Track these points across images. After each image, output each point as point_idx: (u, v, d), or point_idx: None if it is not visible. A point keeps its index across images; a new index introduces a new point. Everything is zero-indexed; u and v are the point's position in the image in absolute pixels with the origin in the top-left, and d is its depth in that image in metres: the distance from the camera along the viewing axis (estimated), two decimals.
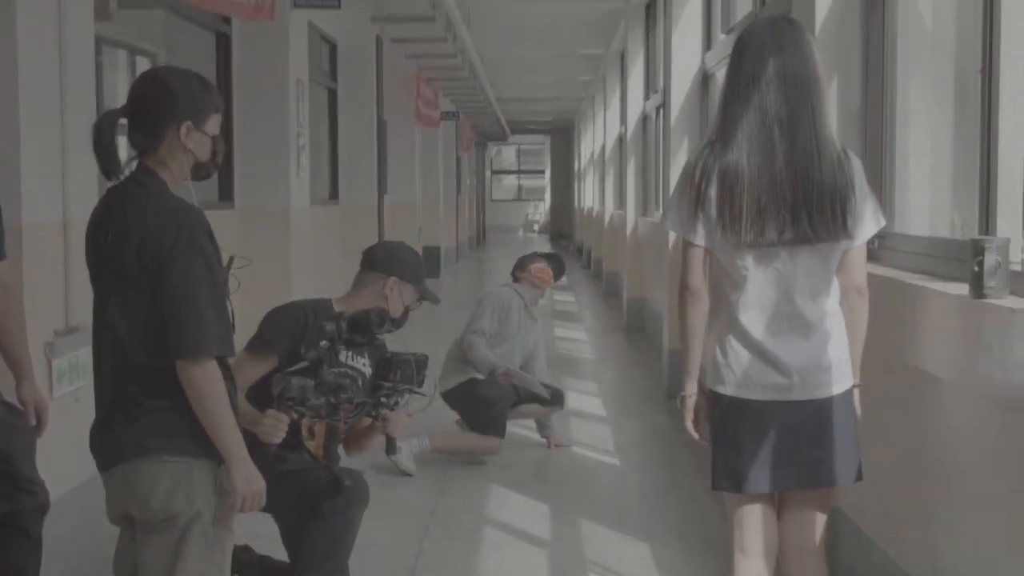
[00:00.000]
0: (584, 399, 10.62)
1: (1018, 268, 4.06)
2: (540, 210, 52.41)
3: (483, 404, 8.25)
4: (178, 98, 3.68)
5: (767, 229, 3.82)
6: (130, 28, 8.44)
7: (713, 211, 3.85)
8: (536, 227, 51.56)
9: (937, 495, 4.37)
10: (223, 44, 10.40)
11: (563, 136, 45.29)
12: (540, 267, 8.98)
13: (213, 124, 3.75)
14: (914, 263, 4.86)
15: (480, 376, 8.25)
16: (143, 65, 9.14)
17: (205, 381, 3.55)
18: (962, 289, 3.98)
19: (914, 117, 5.70)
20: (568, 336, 15.10)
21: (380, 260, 5.34)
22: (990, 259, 3.77)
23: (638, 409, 10.53)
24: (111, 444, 3.68)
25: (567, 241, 39.61)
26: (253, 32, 10.11)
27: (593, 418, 10.02)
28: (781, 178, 3.80)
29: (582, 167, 35.68)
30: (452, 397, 8.32)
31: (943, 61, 5.28)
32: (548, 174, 50.90)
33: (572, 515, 7.03)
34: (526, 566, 6.18)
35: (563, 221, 44.71)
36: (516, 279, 9.01)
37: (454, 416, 8.50)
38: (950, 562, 4.21)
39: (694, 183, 3.89)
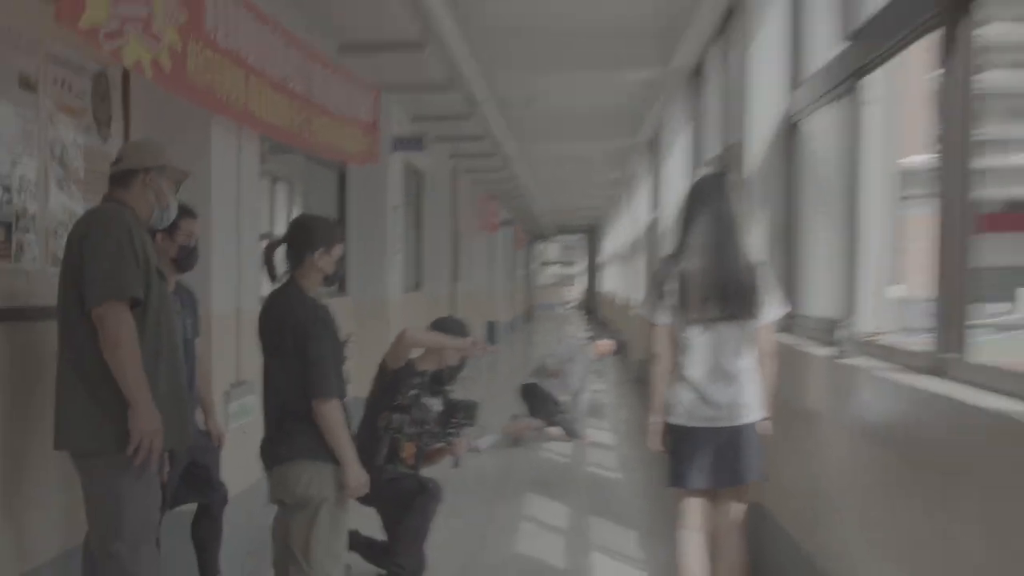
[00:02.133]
0: (602, 433, 10.70)
1: (870, 339, 4.29)
2: (574, 292, 51.74)
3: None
4: (314, 234, 4.20)
5: (706, 310, 4.16)
6: (278, 166, 8.52)
7: (668, 302, 4.24)
8: (571, 305, 50.79)
9: (822, 498, 4.37)
10: (341, 178, 10.47)
11: (594, 234, 44.88)
12: (605, 343, 10.87)
13: (337, 250, 4.22)
14: (809, 334, 5.01)
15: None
16: (283, 189, 9.25)
17: (330, 413, 4.00)
18: (830, 352, 4.32)
19: (815, 232, 5.70)
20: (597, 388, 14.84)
21: (438, 327, 5.65)
22: (839, 333, 4.23)
23: (639, 441, 10.66)
24: (272, 453, 4.14)
25: (593, 315, 38.71)
26: (363, 170, 10.14)
27: (605, 445, 10.12)
28: (715, 279, 4.16)
29: (605, 260, 34.99)
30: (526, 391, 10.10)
31: (832, 194, 5.15)
32: (582, 264, 50.09)
33: (586, 512, 7.28)
34: (551, 546, 6.37)
35: (592, 301, 43.63)
36: (586, 343, 10.76)
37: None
38: (831, 547, 4.21)
39: (659, 284, 4.28)
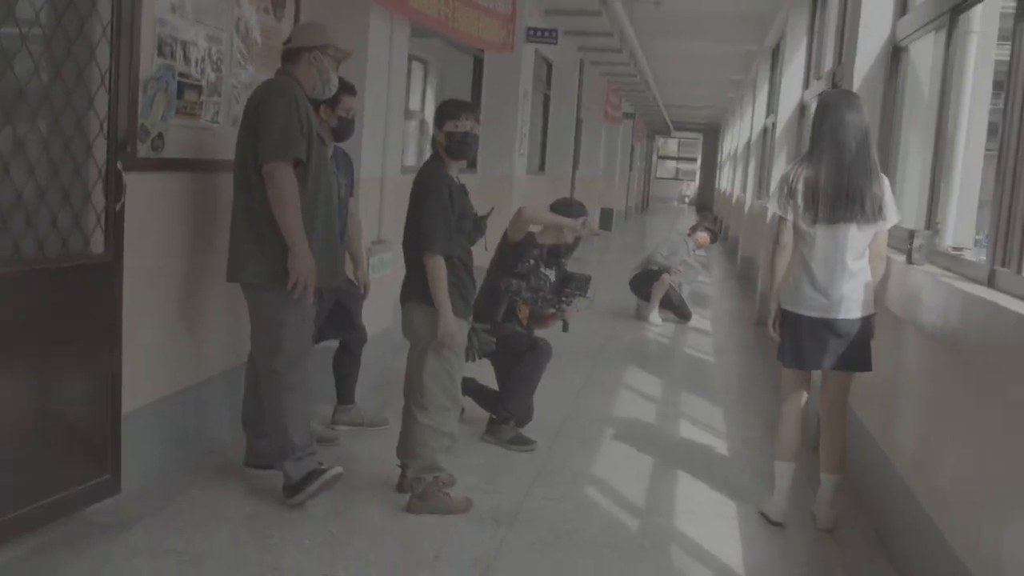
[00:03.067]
0: (703, 320, 11.00)
1: (942, 250, 4.55)
2: (691, 188, 50.34)
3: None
4: (441, 112, 4.51)
5: (833, 213, 4.29)
6: (417, 48, 8.58)
7: (799, 200, 4.35)
8: (687, 200, 49.70)
9: (903, 389, 4.51)
10: (478, 64, 10.73)
11: (712, 134, 43.85)
12: (703, 235, 11.14)
13: (461, 124, 4.43)
14: (893, 243, 4.92)
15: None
16: (419, 69, 9.41)
17: (433, 265, 4.29)
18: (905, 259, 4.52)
19: (909, 151, 5.92)
20: (702, 280, 15.02)
21: (559, 207, 5.95)
22: (916, 242, 4.40)
23: (734, 327, 10.84)
24: (403, 294, 4.51)
25: (708, 212, 37.82)
26: (498, 57, 10.24)
27: (705, 331, 10.42)
28: (844, 185, 4.27)
29: (723, 159, 34.23)
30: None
31: (928, 113, 5.29)
32: (699, 161, 49.08)
33: (678, 388, 7.58)
34: (644, 413, 6.67)
35: (707, 197, 42.35)
36: (690, 233, 11.04)
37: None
38: (912, 444, 4.29)
39: (788, 183, 4.40)
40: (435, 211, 4.32)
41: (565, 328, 6.04)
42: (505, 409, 5.62)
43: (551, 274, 5.81)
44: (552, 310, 5.88)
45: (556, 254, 5.85)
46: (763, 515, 4.71)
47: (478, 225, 4.53)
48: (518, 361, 5.62)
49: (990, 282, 3.64)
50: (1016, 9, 3.59)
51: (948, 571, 3.45)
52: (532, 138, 13.43)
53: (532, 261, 5.65)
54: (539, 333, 5.96)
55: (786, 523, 4.63)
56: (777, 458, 4.69)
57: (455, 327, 4.36)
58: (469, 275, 4.52)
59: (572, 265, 6.17)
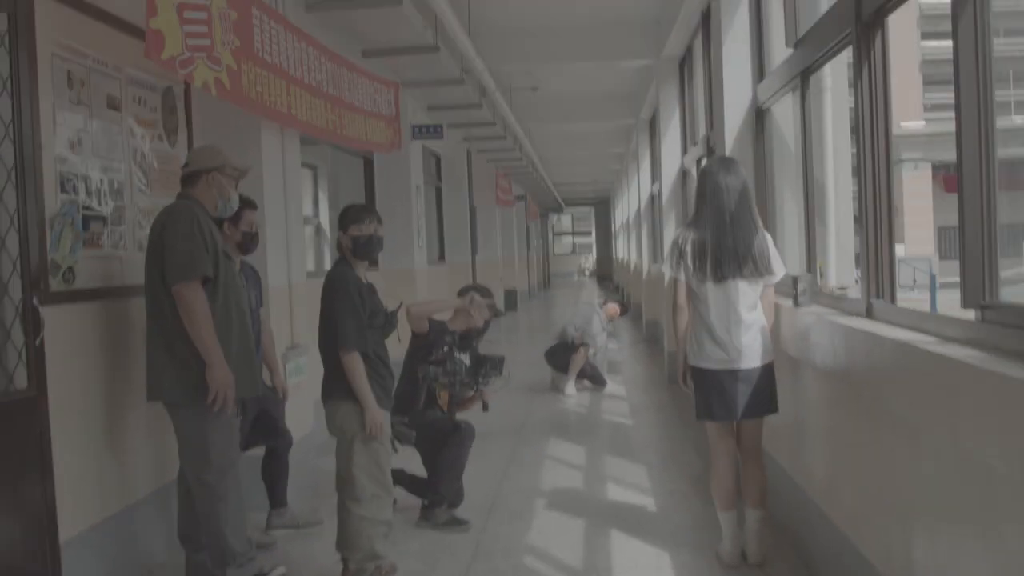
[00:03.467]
0: (616, 385, 11.24)
1: (823, 290, 4.89)
2: (589, 260, 51.26)
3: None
4: (345, 216, 4.76)
5: (721, 271, 4.56)
6: (309, 156, 8.85)
7: (689, 261, 4.62)
8: (587, 272, 50.62)
9: (807, 424, 4.77)
10: (368, 165, 11.01)
11: (603, 205, 44.34)
12: (613, 306, 11.47)
13: (365, 228, 4.71)
14: (779, 289, 5.17)
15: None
16: (308, 174, 9.60)
17: (350, 362, 4.50)
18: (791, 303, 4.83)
19: (782, 202, 6.25)
20: (613, 347, 15.07)
21: (465, 290, 6.26)
22: (800, 286, 4.71)
23: (648, 388, 11.04)
24: (324, 392, 4.66)
25: (609, 281, 38.11)
26: (387, 156, 10.45)
27: (619, 396, 10.64)
28: (729, 244, 4.55)
29: (616, 229, 34.90)
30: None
31: (796, 167, 5.55)
32: (593, 234, 49.95)
33: (600, 453, 7.75)
34: (571, 481, 6.85)
35: (606, 268, 43.19)
36: (600, 306, 11.31)
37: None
38: (821, 473, 4.57)
39: (679, 247, 4.68)
40: (346, 311, 4.52)
41: (485, 408, 6.23)
42: (436, 493, 5.74)
43: (466, 358, 6.01)
44: (471, 392, 6.07)
45: (468, 338, 6.07)
46: (718, 558, 4.91)
47: (389, 320, 4.74)
48: (443, 445, 5.76)
49: (868, 313, 3.96)
50: (854, 62, 3.98)
51: None
52: (429, 229, 13.68)
53: (446, 348, 5.84)
54: (461, 416, 6.13)
55: (738, 565, 4.84)
56: (720, 510, 4.86)
57: (381, 416, 4.53)
58: (387, 367, 4.70)
59: (483, 347, 6.36)
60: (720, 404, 4.69)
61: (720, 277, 4.59)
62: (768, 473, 4.96)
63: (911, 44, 31.40)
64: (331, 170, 10.53)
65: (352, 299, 4.53)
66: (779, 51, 5.78)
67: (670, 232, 11.25)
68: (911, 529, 3.28)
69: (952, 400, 2.72)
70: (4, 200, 3.97)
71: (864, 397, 3.71)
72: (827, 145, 5.35)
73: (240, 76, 5.41)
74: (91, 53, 4.67)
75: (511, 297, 22.64)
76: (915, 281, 19.67)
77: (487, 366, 6.06)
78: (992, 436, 2.50)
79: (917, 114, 31.23)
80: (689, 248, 4.64)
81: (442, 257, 15.77)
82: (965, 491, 2.78)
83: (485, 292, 6.25)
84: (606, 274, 42.44)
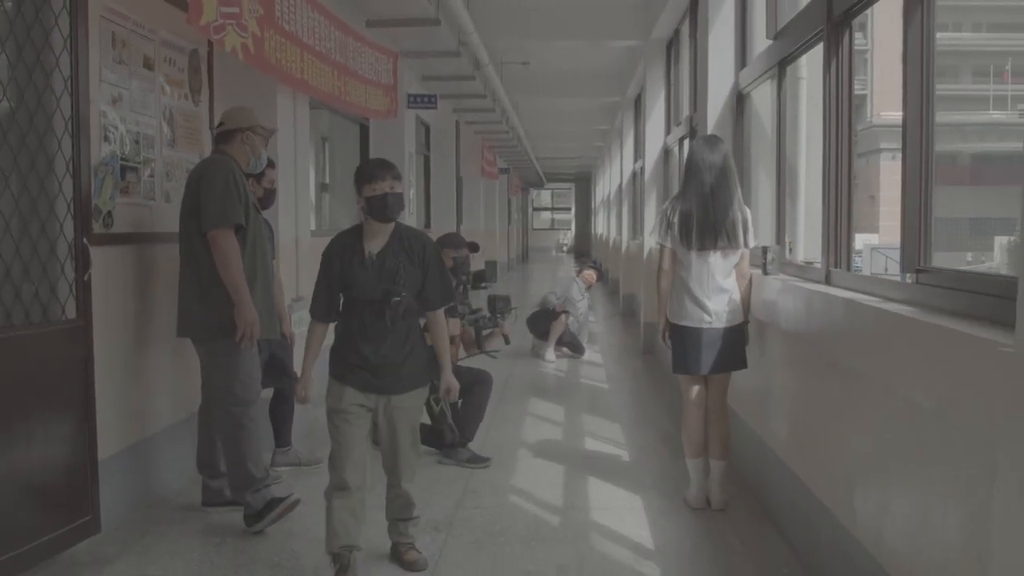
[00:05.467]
0: (593, 354, 11.75)
1: (791, 261, 5.33)
2: (568, 236, 51.71)
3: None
4: (359, 176, 4.61)
5: (703, 242, 4.98)
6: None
7: (676, 231, 5.03)
8: (565, 248, 51.01)
9: (772, 383, 5.13)
10: (364, 132, 11.25)
11: (584, 183, 44.71)
12: (590, 272, 11.77)
13: (378, 186, 4.62)
14: (754, 260, 5.64)
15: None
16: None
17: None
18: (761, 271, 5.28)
19: (759, 181, 6.68)
20: (592, 320, 15.23)
21: (444, 240, 6.48)
22: (769, 256, 5.18)
23: (623, 358, 11.57)
24: None
25: (586, 257, 38.11)
26: (383, 124, 10.75)
27: (596, 363, 11.14)
28: (709, 218, 4.96)
29: (596, 205, 35.37)
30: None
31: (771, 149, 6.00)
32: (573, 210, 50.46)
33: (578, 412, 8.25)
34: (551, 435, 7.33)
35: (584, 244, 43.83)
36: (578, 273, 11.71)
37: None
38: (782, 427, 4.98)
39: (667, 217, 5.09)
40: (321, 271, 4.31)
41: (507, 341, 6.83)
42: (464, 436, 6.25)
43: (478, 298, 6.55)
44: (491, 328, 6.64)
45: (480, 279, 6.59)
46: (685, 502, 5.39)
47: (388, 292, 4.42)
48: (467, 392, 6.22)
49: (827, 280, 4.47)
50: (824, 57, 4.51)
51: (830, 534, 3.96)
52: (417, 197, 13.95)
53: (461, 288, 6.26)
54: (486, 350, 6.68)
55: (703, 508, 5.32)
56: (688, 457, 5.34)
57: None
58: (370, 343, 4.26)
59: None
60: (694, 359, 5.14)
61: (701, 247, 5.01)
62: (732, 429, 5.45)
63: (898, 35, 31.63)
64: (329, 135, 10.81)
65: (332, 261, 4.25)
66: (760, 41, 6.25)
67: (651, 209, 11.73)
68: (857, 472, 3.70)
69: (887, 348, 3.23)
70: (62, 148, 4.42)
71: (821, 353, 4.18)
72: (800, 130, 5.79)
73: (263, 42, 5.87)
74: (132, 16, 5.11)
75: (491, 267, 22.94)
76: (886, 269, 20.16)
77: (499, 304, 6.58)
78: (919, 379, 2.96)
79: (899, 105, 31.58)
80: (676, 218, 5.04)
81: (428, 225, 16.03)
82: (898, 432, 3.21)
83: (459, 240, 6.61)
84: (584, 250, 42.67)
